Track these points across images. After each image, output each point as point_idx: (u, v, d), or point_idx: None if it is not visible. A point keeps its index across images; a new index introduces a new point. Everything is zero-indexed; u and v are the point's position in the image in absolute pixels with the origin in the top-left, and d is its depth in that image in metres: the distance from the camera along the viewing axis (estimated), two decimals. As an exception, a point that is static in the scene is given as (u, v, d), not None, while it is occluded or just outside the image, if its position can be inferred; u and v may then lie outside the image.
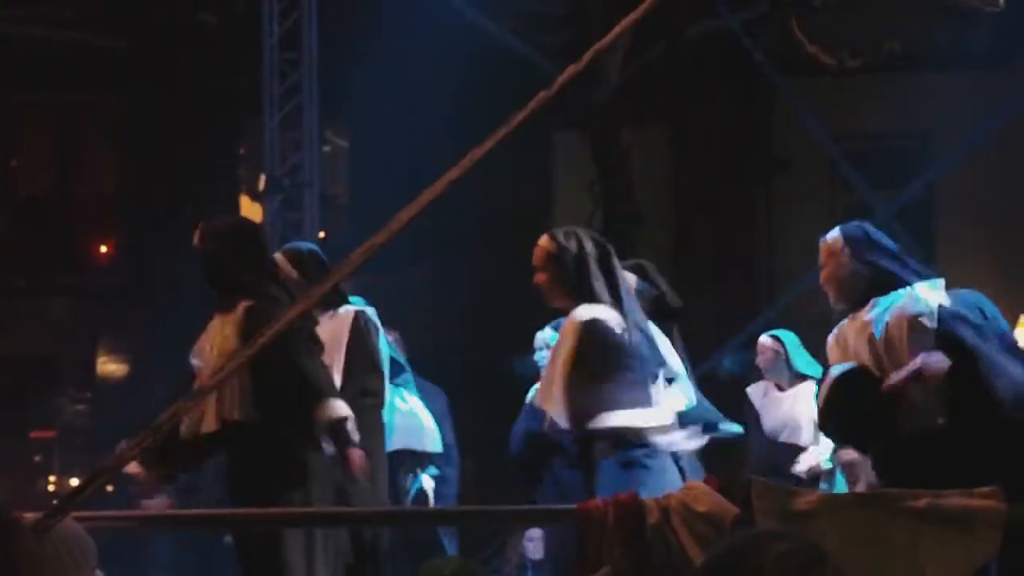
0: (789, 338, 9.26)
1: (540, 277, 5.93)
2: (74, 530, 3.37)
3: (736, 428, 6.22)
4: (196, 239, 6.45)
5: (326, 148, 16.69)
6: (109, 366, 18.07)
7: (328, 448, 5.98)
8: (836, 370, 5.50)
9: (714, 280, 16.63)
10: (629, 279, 6.23)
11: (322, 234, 14.54)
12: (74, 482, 14.97)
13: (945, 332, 5.31)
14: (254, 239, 6.57)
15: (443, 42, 15.03)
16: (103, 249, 18.65)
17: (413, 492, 8.30)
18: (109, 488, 3.83)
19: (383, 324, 7.58)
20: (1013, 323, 13.56)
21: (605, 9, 13.88)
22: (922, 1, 14.30)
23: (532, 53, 14.94)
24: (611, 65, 15.04)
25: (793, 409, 9.01)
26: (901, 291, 5.56)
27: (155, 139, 17.48)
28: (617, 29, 4.03)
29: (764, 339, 9.32)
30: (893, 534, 3.86)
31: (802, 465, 8.76)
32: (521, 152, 15.59)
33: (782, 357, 9.09)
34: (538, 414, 6.11)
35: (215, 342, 6.18)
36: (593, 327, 5.69)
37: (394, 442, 7.59)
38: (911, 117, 17.27)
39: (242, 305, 6.21)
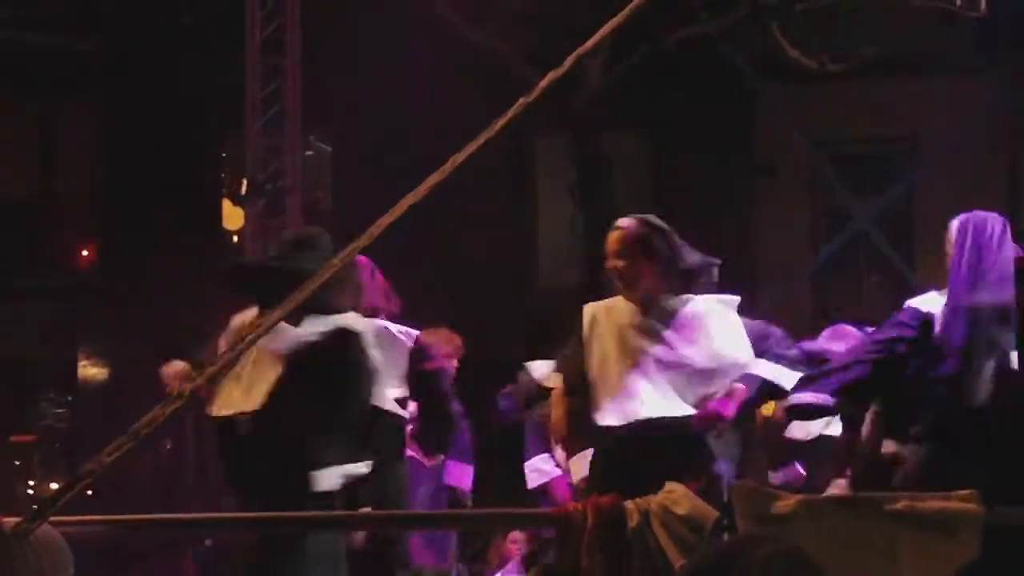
0: None
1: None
2: (52, 536, 3.35)
3: None
4: None
5: (308, 153, 16.68)
6: (90, 369, 18.03)
7: None
8: None
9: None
10: None
11: (304, 239, 14.52)
12: (54, 487, 14.93)
13: None
14: None
15: (425, 47, 15.03)
16: (84, 252, 18.62)
17: None
18: (89, 492, 3.82)
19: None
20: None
21: (587, 13, 13.90)
22: (903, 6, 14.34)
23: (514, 57, 14.95)
24: (592, 70, 15.04)
25: None
26: None
27: (137, 142, 17.45)
28: (598, 35, 4.04)
29: None
30: (872, 537, 3.87)
31: None
32: (502, 157, 15.66)
33: None
34: None
35: None
36: None
37: None
38: (892, 122, 17.31)
39: None
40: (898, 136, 17.62)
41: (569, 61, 3.96)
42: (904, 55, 15.62)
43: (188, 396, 3.72)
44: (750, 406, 6.06)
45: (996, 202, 17.01)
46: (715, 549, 2.50)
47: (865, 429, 5.40)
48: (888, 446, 4.98)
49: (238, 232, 16.48)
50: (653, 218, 6.12)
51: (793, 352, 6.05)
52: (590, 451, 5.77)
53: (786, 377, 5.69)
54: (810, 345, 6.82)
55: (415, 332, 6.98)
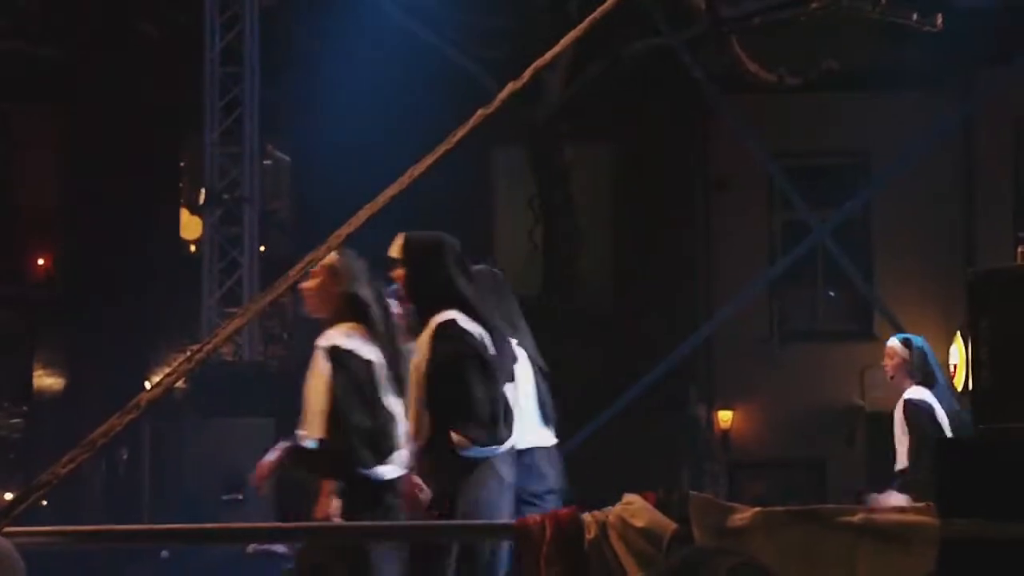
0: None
1: None
2: (4, 547, 3.33)
3: None
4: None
5: (267, 162, 16.64)
6: (46, 379, 17.91)
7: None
8: None
9: (653, 295, 16.69)
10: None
11: (262, 248, 14.50)
12: (8, 497, 14.81)
13: None
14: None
15: (385, 57, 15.02)
16: (40, 262, 18.50)
17: None
18: (44, 503, 3.81)
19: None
20: (949, 340, 13.58)
21: (547, 26, 13.94)
22: (861, 21, 14.41)
23: (474, 68, 14.96)
24: (553, 82, 15.07)
25: None
26: None
27: (95, 151, 17.36)
28: (557, 47, 4.05)
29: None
30: (829, 550, 3.88)
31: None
32: (462, 167, 15.67)
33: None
34: None
35: None
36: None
37: None
38: (849, 136, 17.41)
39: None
40: (855, 149, 17.73)
41: (528, 73, 3.98)
42: (861, 69, 15.71)
43: (144, 407, 3.71)
44: None
45: (951, 216, 17.17)
46: (678, 560, 2.50)
47: None
48: None
49: (196, 242, 16.42)
50: None
51: None
52: None
53: None
54: None
55: None
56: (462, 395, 5.65)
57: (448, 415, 5.69)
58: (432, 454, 5.73)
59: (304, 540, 5.90)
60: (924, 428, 8.00)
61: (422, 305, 5.90)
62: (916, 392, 8.22)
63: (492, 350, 5.78)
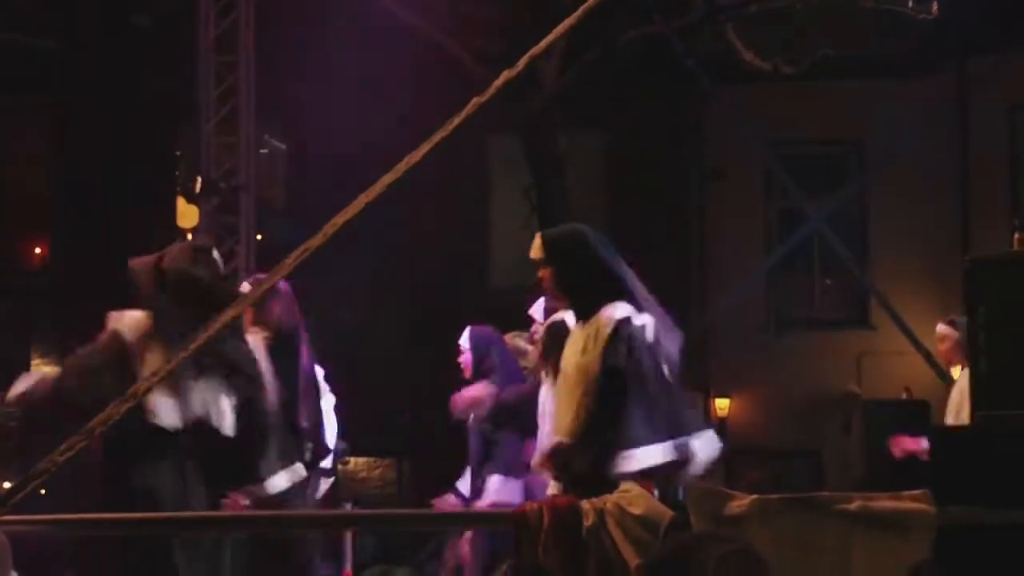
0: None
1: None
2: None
3: None
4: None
5: (263, 151, 16.63)
6: (43, 368, 17.92)
7: None
8: None
9: (649, 284, 16.68)
10: None
11: (259, 236, 14.50)
12: (7, 485, 14.81)
13: None
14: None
15: (380, 46, 15.01)
16: (37, 250, 18.51)
17: None
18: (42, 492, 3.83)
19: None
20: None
21: (540, 15, 13.91)
22: (856, 9, 14.42)
23: (469, 57, 14.95)
24: (547, 71, 15.05)
25: None
26: None
27: (91, 140, 17.36)
28: (552, 35, 4.05)
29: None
30: (825, 537, 3.90)
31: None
32: (458, 156, 15.68)
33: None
34: None
35: None
36: None
37: None
38: (844, 123, 17.41)
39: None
40: (851, 137, 17.72)
41: (523, 61, 3.98)
42: (857, 57, 15.71)
43: (140, 396, 3.72)
44: None
45: (946, 203, 17.17)
46: (672, 545, 2.52)
47: None
48: None
49: (192, 230, 16.40)
50: None
51: None
52: None
53: None
54: None
55: None
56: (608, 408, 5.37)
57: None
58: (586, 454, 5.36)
59: (304, 531, 5.90)
60: None
61: (582, 300, 5.61)
62: None
63: (654, 337, 5.55)
